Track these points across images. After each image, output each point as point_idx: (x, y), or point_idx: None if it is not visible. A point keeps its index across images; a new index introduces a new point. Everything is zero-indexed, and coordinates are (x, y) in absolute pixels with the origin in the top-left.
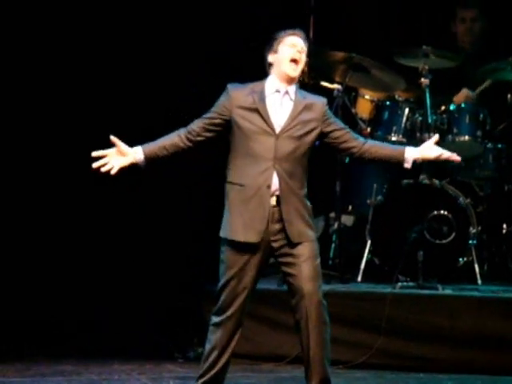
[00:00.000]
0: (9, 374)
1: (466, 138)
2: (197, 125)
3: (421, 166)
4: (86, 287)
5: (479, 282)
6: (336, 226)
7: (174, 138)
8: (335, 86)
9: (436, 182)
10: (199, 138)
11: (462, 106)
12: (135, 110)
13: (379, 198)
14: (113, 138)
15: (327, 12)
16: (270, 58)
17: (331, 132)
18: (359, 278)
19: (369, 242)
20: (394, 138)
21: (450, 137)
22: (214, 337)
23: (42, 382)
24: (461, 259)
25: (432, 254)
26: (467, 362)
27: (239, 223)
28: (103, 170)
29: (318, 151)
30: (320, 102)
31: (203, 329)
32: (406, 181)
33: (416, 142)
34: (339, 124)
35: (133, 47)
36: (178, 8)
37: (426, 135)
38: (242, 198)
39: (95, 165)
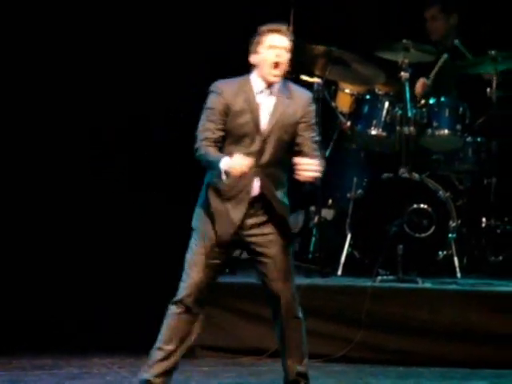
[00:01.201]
0: None
1: (446, 131)
2: (212, 139)
3: (400, 159)
4: (69, 282)
5: (458, 275)
6: (316, 219)
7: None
8: (315, 79)
9: (416, 175)
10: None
11: (442, 99)
12: (135, 110)
13: (359, 191)
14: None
15: (307, 5)
16: (252, 58)
17: (300, 125)
18: (339, 272)
19: (349, 236)
20: (373, 132)
21: (429, 130)
22: (167, 325)
23: (22, 375)
24: (440, 252)
25: (412, 247)
26: (447, 355)
27: (213, 218)
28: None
29: None
30: (305, 96)
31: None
32: (385, 174)
33: (396, 136)
34: (311, 132)
35: (133, 47)
36: (177, 8)
37: (406, 129)
38: (220, 195)
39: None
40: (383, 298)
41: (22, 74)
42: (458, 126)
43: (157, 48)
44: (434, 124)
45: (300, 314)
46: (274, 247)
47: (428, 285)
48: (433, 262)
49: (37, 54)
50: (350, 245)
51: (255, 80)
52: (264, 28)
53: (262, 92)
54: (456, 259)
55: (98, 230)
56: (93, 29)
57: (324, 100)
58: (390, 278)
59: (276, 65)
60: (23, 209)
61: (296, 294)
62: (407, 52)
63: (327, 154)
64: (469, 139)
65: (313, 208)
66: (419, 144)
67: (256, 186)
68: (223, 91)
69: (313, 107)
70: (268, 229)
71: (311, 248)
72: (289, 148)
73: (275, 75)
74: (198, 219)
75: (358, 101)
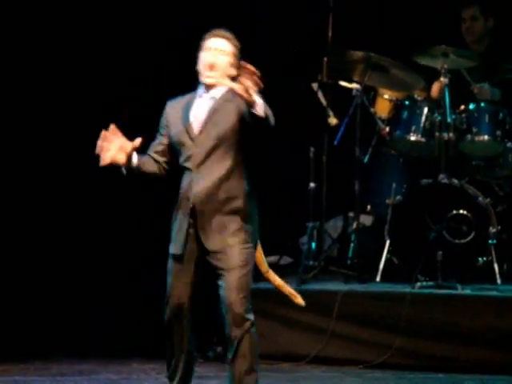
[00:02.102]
0: (29, 373)
1: (486, 137)
2: (155, 149)
3: (439, 165)
4: (105, 287)
5: (498, 281)
6: (355, 225)
7: (151, 161)
8: (354, 85)
9: (455, 181)
10: (166, 165)
11: (482, 105)
12: (135, 110)
13: (398, 197)
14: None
15: (346, 11)
16: (197, 65)
17: (243, 108)
18: (378, 278)
19: (388, 242)
20: (412, 138)
21: (469, 136)
22: (167, 349)
23: (61, 381)
24: (480, 259)
25: (451, 253)
26: (487, 362)
27: (172, 235)
28: (96, 152)
29: (336, 151)
30: None
31: (222, 328)
32: (425, 180)
33: (435, 142)
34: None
35: (134, 47)
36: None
37: (445, 134)
38: (176, 210)
39: (98, 144)
40: (422, 305)
41: (22, 74)
42: (498, 132)
43: (159, 49)
44: (474, 130)
45: (251, 329)
46: (229, 259)
47: (467, 291)
48: (472, 268)
49: (37, 53)
50: (388, 251)
51: (199, 87)
52: (208, 33)
53: (200, 97)
54: (496, 265)
55: (110, 232)
56: (92, 29)
57: (363, 106)
58: (429, 284)
59: (210, 66)
60: (28, 211)
61: (249, 310)
62: (446, 58)
63: (366, 159)
64: (509, 145)
65: (351, 214)
66: (459, 150)
67: (194, 191)
68: (166, 109)
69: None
70: (211, 239)
71: (350, 254)
72: (235, 144)
73: (208, 76)
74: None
75: (397, 106)
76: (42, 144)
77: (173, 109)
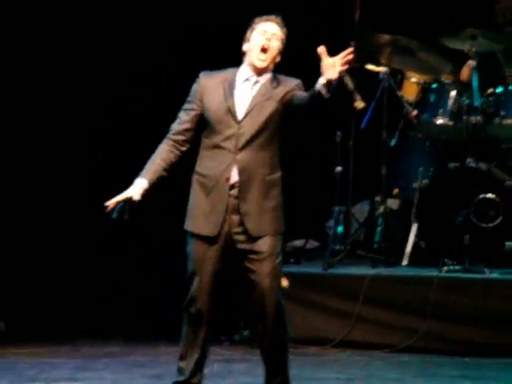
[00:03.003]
0: (58, 355)
1: None
2: (179, 131)
3: (467, 149)
4: (133, 269)
5: None
6: (382, 209)
7: (170, 156)
8: (381, 68)
9: (483, 165)
10: (188, 145)
11: (510, 88)
12: (135, 110)
13: (425, 181)
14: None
15: None
16: (244, 46)
17: (286, 95)
18: (405, 262)
19: (415, 226)
20: (440, 121)
21: (497, 119)
22: (184, 332)
23: (90, 363)
24: (507, 243)
25: (478, 237)
26: None
27: (199, 215)
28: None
29: (363, 135)
30: (291, 81)
31: (249, 312)
32: (452, 164)
33: (462, 125)
34: (297, 90)
35: (134, 47)
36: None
37: (473, 118)
38: (203, 190)
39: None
40: (449, 289)
41: (22, 74)
42: None
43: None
44: (502, 113)
45: (284, 318)
46: (264, 244)
47: (495, 275)
48: (500, 252)
49: (37, 54)
50: (415, 235)
51: (243, 69)
52: (261, 17)
53: (247, 80)
54: None
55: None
56: (93, 29)
57: (390, 89)
58: (457, 268)
59: (263, 49)
60: (32, 210)
61: (282, 298)
62: (474, 40)
63: (393, 142)
64: None
65: (378, 198)
66: (486, 133)
67: (235, 172)
68: (201, 80)
69: (301, 88)
70: (254, 224)
71: (376, 238)
72: (275, 133)
73: (261, 59)
74: (187, 220)
75: (425, 90)
76: (41, 142)
77: (210, 83)
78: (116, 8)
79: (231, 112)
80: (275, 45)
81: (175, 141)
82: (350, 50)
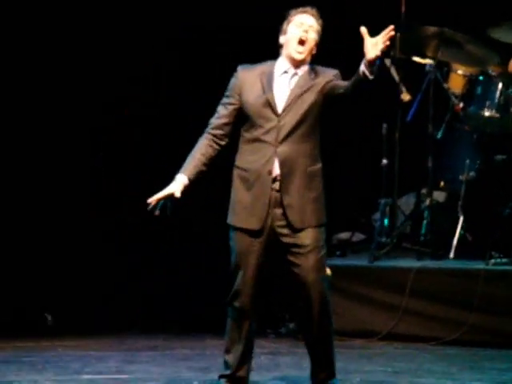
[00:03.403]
0: (104, 348)
1: None
2: (218, 125)
3: None
4: (180, 265)
5: None
6: (428, 202)
7: (209, 151)
8: (427, 60)
9: None
10: (227, 139)
11: None
12: (135, 110)
13: (472, 173)
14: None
15: None
16: (281, 39)
17: (326, 86)
18: (452, 255)
19: (461, 218)
20: (487, 114)
21: None
22: (228, 326)
23: (135, 355)
24: None
25: None
26: None
27: (242, 209)
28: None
29: (409, 127)
30: (329, 72)
31: (294, 304)
32: (499, 156)
33: (509, 117)
34: (336, 80)
35: (134, 47)
36: None
37: None
38: (245, 184)
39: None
40: (496, 281)
41: (21, 74)
42: None
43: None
44: None
45: (330, 311)
46: (307, 237)
47: None
48: None
49: (37, 54)
50: (462, 227)
51: (280, 61)
52: (297, 9)
53: (285, 72)
54: None
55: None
56: (93, 29)
57: (436, 81)
58: (504, 260)
59: (301, 41)
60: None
61: (328, 291)
62: None
63: (439, 135)
64: None
65: (424, 190)
66: None
67: (276, 166)
68: (239, 74)
69: (338, 77)
70: (296, 216)
71: (423, 231)
72: (315, 125)
73: (299, 52)
74: (230, 214)
75: (471, 82)
76: (42, 142)
77: (248, 77)
78: (116, 8)
79: (271, 105)
80: (312, 36)
81: (214, 135)
82: (391, 27)
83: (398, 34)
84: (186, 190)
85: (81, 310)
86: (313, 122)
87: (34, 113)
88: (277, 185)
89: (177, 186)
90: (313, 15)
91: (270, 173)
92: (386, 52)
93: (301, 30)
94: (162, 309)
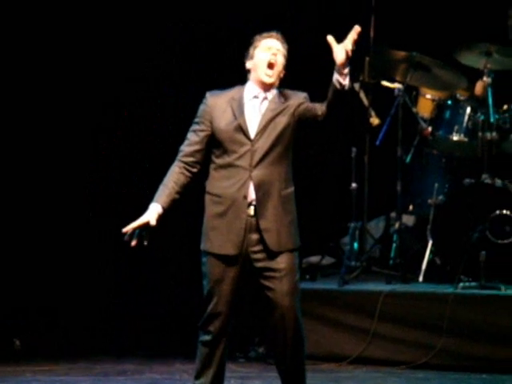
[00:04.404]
0: (73, 372)
1: None
2: (189, 153)
3: (482, 165)
4: (148, 288)
5: None
6: (397, 225)
7: (181, 179)
8: (396, 85)
9: (498, 181)
10: (199, 166)
11: None
12: (134, 110)
13: (440, 197)
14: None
15: (388, 11)
16: (248, 64)
17: (298, 108)
18: (421, 278)
19: (430, 242)
20: (455, 138)
21: None
22: (200, 350)
23: (105, 381)
24: None
25: (494, 253)
26: None
27: (217, 235)
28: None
29: (378, 151)
30: (298, 95)
31: (264, 328)
32: (467, 180)
33: (478, 141)
34: (307, 102)
35: (134, 47)
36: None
37: (488, 134)
38: (219, 210)
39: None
40: (465, 305)
41: (21, 74)
42: None
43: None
44: None
45: (303, 336)
46: (282, 262)
47: (511, 291)
48: None
49: (37, 54)
50: (431, 251)
51: (249, 86)
52: (261, 34)
53: (255, 97)
54: None
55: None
56: (93, 29)
57: (405, 105)
58: (473, 284)
59: (270, 65)
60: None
61: (300, 316)
62: (489, 57)
63: (408, 159)
64: None
65: (393, 214)
66: (502, 149)
67: (251, 191)
68: (208, 100)
69: (308, 100)
70: (273, 240)
71: (392, 254)
72: (287, 149)
73: (269, 75)
74: (203, 241)
75: (440, 106)
76: (41, 142)
77: (218, 103)
78: (116, 8)
79: (243, 130)
80: (280, 60)
81: (186, 163)
82: (357, 28)
83: (367, 59)
84: (161, 219)
85: (49, 334)
86: (286, 145)
87: (33, 113)
88: (251, 209)
89: (151, 214)
90: (278, 39)
91: (245, 197)
92: (355, 76)
93: (269, 53)
94: (131, 332)
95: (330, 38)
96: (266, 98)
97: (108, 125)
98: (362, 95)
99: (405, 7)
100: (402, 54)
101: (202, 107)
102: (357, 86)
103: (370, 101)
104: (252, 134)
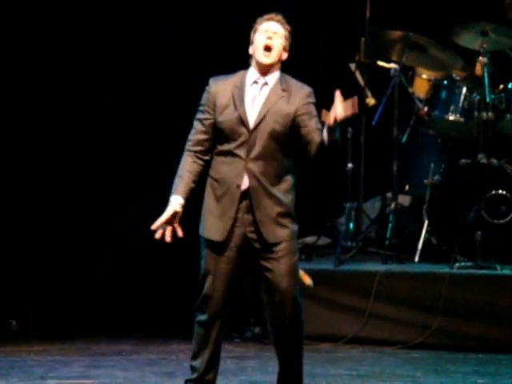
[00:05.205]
0: (69, 353)
1: None
2: (198, 142)
3: (478, 145)
4: (145, 268)
5: None
6: (393, 206)
7: (194, 167)
8: (392, 65)
9: (494, 161)
10: (209, 153)
11: None
12: (134, 110)
13: (436, 177)
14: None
15: None
16: (250, 49)
17: (296, 116)
18: (416, 259)
19: (426, 222)
20: (451, 118)
21: (508, 116)
22: (196, 331)
23: (101, 361)
24: None
25: (490, 233)
26: None
27: (209, 220)
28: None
29: (374, 132)
30: (303, 91)
31: (260, 308)
32: (463, 160)
33: (474, 121)
34: (312, 117)
35: (134, 47)
36: None
37: (484, 114)
38: (215, 194)
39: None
40: (461, 285)
41: (22, 74)
42: None
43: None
44: None
45: (302, 317)
46: (280, 244)
47: (507, 271)
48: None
49: (37, 54)
50: (427, 231)
51: (250, 71)
52: (262, 17)
53: (255, 83)
54: None
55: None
56: (93, 30)
57: (401, 86)
58: (468, 264)
59: (266, 47)
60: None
61: (299, 296)
62: (486, 36)
63: (404, 139)
64: None
65: (389, 194)
66: (498, 129)
67: (246, 179)
68: (211, 87)
69: (311, 100)
70: (268, 231)
71: (388, 234)
72: (287, 140)
73: (266, 56)
74: (200, 223)
75: (436, 86)
76: (41, 143)
77: (220, 89)
78: (116, 8)
79: (243, 121)
80: (279, 42)
81: (196, 151)
82: (355, 100)
83: (363, 39)
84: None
85: (45, 314)
86: (284, 139)
87: (33, 114)
88: (246, 198)
89: (175, 205)
90: (278, 21)
91: (238, 186)
92: (351, 56)
93: (266, 36)
94: (127, 313)
95: (338, 94)
96: (266, 84)
97: (108, 123)
98: (358, 75)
99: None
100: (397, 33)
101: (205, 95)
102: (353, 66)
103: (365, 81)
104: (251, 124)
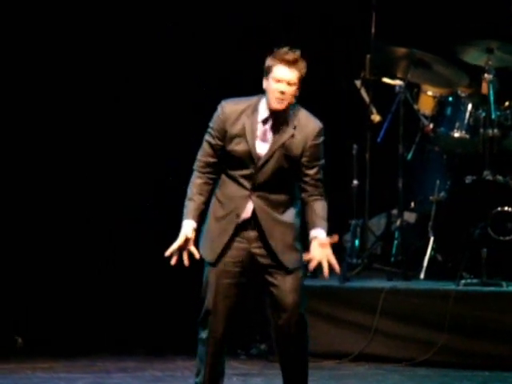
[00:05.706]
0: (74, 370)
1: None
2: (207, 164)
3: (484, 162)
4: (152, 285)
5: None
6: (398, 222)
7: (205, 188)
8: (397, 82)
9: (500, 178)
10: (218, 173)
11: None
12: (134, 110)
13: (442, 194)
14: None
15: (389, 8)
16: (264, 82)
17: (302, 159)
18: (422, 275)
19: (432, 239)
20: (456, 134)
21: None
22: (198, 350)
23: (106, 378)
24: None
25: (496, 250)
26: None
27: (207, 239)
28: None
29: (379, 148)
30: (313, 129)
31: (265, 325)
32: (469, 177)
33: (479, 138)
34: (317, 160)
35: (135, 47)
36: None
37: (490, 131)
38: (216, 215)
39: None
40: (467, 302)
41: (22, 74)
42: None
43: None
44: None
45: (307, 334)
46: (285, 261)
47: None
48: None
49: (37, 54)
50: (432, 248)
51: (263, 105)
52: (277, 55)
53: (267, 120)
54: None
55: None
56: (95, 30)
57: (406, 102)
58: (474, 281)
59: (281, 93)
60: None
61: (305, 313)
62: (491, 54)
63: (409, 156)
64: None
65: (395, 211)
66: (503, 146)
67: (249, 209)
68: (225, 111)
69: (320, 140)
70: (286, 252)
71: (393, 251)
72: (293, 173)
73: (279, 103)
74: (200, 238)
75: (441, 103)
76: (41, 143)
77: (231, 117)
78: (116, 8)
79: (251, 155)
80: (292, 89)
81: (204, 173)
82: (335, 238)
83: (368, 55)
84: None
85: (50, 331)
86: (290, 173)
87: (33, 114)
88: (254, 228)
89: (188, 229)
90: (293, 65)
91: (238, 216)
92: (356, 73)
93: (279, 87)
94: (132, 329)
95: (334, 239)
96: (277, 122)
97: (108, 123)
98: (363, 92)
99: (406, 3)
100: (402, 50)
101: (215, 117)
102: (358, 83)
103: (371, 98)
104: (259, 161)
